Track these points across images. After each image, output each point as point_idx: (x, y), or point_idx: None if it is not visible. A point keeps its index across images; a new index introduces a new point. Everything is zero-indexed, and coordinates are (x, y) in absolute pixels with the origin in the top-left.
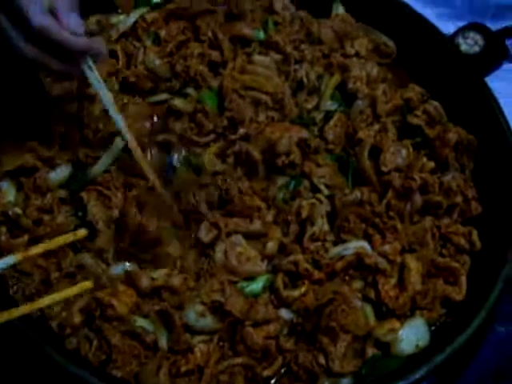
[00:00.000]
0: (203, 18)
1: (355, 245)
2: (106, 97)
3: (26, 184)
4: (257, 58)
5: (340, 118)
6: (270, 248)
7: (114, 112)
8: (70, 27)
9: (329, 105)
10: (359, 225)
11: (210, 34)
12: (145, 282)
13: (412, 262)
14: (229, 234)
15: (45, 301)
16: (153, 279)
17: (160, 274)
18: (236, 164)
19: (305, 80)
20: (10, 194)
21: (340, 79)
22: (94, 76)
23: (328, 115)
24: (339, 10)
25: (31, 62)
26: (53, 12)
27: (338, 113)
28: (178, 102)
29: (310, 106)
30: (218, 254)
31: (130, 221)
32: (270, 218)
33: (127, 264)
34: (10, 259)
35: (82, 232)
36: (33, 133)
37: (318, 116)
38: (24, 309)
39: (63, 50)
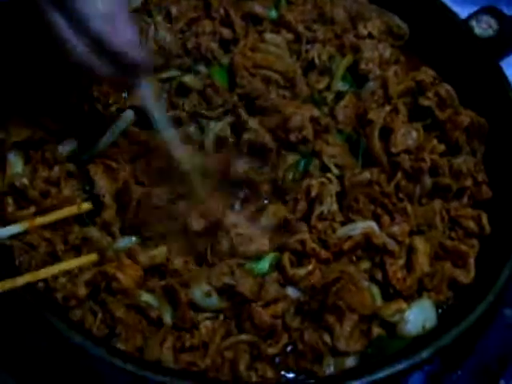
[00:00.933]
0: None
1: (363, 225)
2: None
3: (34, 156)
4: (268, 36)
5: (351, 98)
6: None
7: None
8: (127, 38)
9: (340, 85)
10: (368, 205)
11: (221, 11)
12: (143, 258)
13: (420, 244)
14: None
15: (50, 270)
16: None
17: (160, 251)
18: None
19: (316, 60)
20: (18, 165)
21: (352, 60)
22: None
23: (339, 95)
24: None
25: (80, 68)
26: (110, 20)
27: (350, 93)
28: (188, 79)
29: (321, 86)
30: (222, 240)
31: (132, 192)
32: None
33: (133, 238)
34: (15, 228)
35: (87, 205)
36: (42, 105)
37: (329, 96)
38: (28, 277)
39: (115, 60)
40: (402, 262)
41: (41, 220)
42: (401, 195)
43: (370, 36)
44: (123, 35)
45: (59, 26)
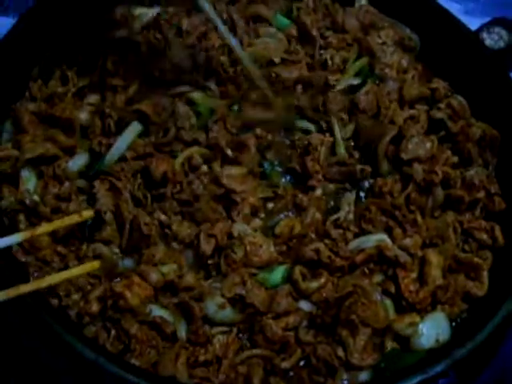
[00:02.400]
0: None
1: (376, 237)
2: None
3: (46, 172)
4: (262, 30)
5: (372, 86)
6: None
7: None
8: None
9: (352, 79)
10: (380, 216)
11: (225, 16)
12: (154, 277)
13: (433, 257)
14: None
15: (53, 279)
16: (163, 275)
17: (170, 269)
18: None
19: (329, 62)
20: (30, 181)
21: (367, 62)
22: None
23: (352, 89)
24: (362, 1)
25: None
26: None
27: (370, 81)
28: (195, 95)
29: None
30: (236, 248)
31: (125, 216)
32: None
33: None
34: (16, 237)
35: (88, 213)
36: (54, 122)
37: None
38: (32, 285)
39: None
40: (414, 274)
41: (42, 229)
42: (412, 207)
43: (384, 45)
44: None
45: None
